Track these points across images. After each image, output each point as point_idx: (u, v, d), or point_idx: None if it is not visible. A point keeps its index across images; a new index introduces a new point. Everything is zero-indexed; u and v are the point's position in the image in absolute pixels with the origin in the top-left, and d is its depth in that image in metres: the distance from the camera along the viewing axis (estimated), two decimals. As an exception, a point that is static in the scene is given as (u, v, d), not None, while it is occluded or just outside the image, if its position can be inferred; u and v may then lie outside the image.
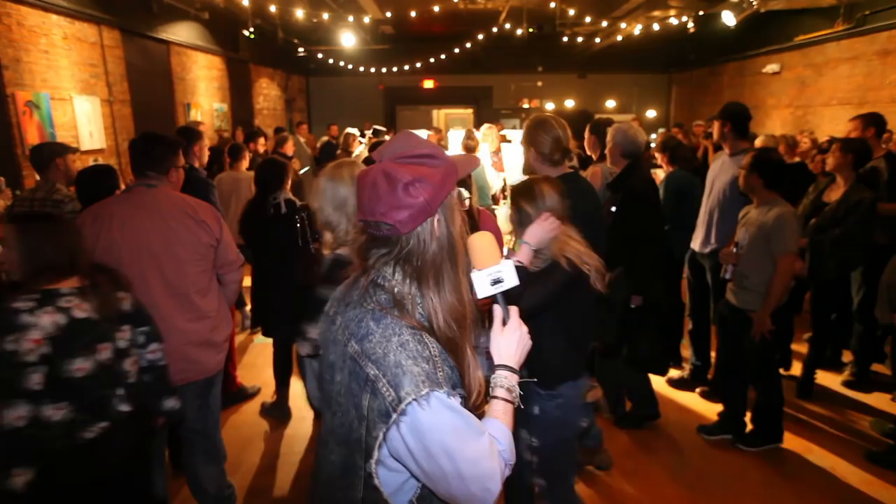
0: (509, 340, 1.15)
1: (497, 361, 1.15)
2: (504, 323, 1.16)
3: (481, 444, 0.99)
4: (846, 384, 3.81)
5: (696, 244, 3.67)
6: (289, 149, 5.81)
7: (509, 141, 6.90)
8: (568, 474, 2.23)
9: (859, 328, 3.75)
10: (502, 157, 6.28)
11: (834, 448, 3.17)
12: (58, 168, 3.28)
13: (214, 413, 2.45)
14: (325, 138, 9.58)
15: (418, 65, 12.65)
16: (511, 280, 1.14)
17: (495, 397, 1.12)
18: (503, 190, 6.04)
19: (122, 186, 3.09)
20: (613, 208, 3.00)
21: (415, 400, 0.94)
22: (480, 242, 1.13)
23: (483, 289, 1.12)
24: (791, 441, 3.24)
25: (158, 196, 2.24)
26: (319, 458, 1.18)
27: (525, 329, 1.17)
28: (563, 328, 2.01)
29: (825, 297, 3.68)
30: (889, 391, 3.69)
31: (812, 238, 3.40)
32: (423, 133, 6.11)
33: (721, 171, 3.56)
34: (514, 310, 1.17)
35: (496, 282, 1.12)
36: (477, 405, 1.11)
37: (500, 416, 1.10)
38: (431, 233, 1.03)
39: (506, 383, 1.12)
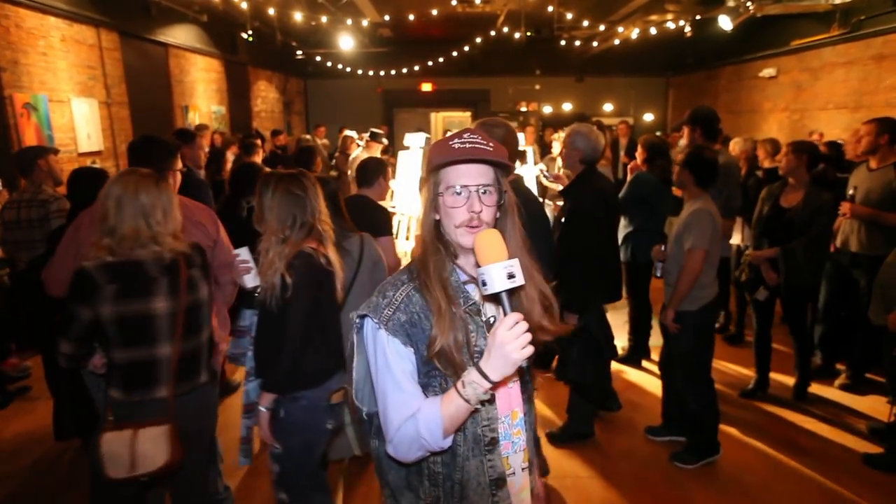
0: (497, 343, 1.03)
1: (481, 361, 1.06)
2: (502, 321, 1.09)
3: (397, 394, 1.12)
4: (842, 387, 3.82)
5: None
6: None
7: (507, 144, 6.92)
8: (309, 492, 2.11)
9: (859, 334, 3.75)
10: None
11: (831, 452, 3.18)
12: (41, 169, 3.36)
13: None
14: (324, 141, 9.60)
15: (416, 68, 12.69)
16: (521, 278, 1.07)
17: (453, 388, 1.09)
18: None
19: None
20: (563, 219, 2.94)
21: (357, 316, 1.19)
22: (489, 239, 1.09)
23: (498, 282, 1.04)
24: (788, 444, 3.25)
25: None
26: None
27: (521, 340, 1.03)
28: (309, 329, 1.98)
29: (799, 303, 3.62)
30: (885, 394, 3.70)
31: (784, 247, 3.37)
32: (422, 136, 6.13)
33: None
34: (511, 316, 1.04)
35: (510, 276, 1.04)
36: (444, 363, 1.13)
37: (443, 399, 1.11)
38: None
39: (466, 378, 1.07)
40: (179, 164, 2.40)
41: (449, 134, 1.22)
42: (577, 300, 2.82)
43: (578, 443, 3.24)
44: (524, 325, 1.04)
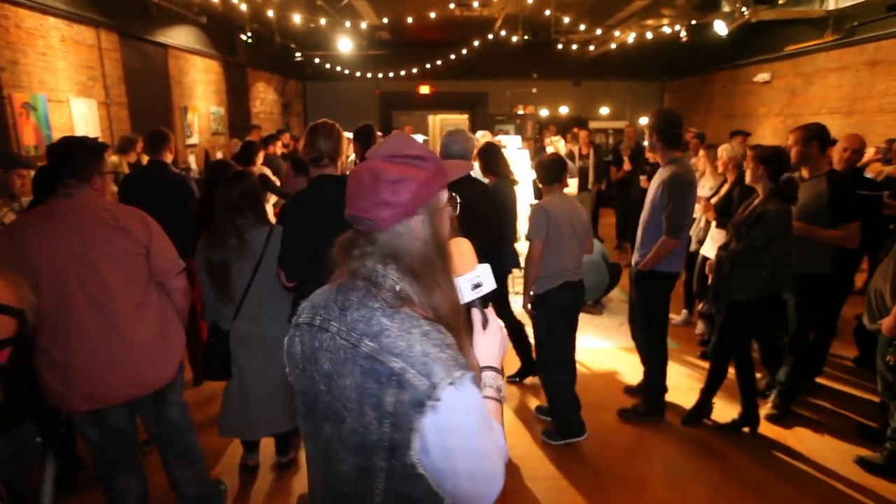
0: (491, 342, 1.16)
1: (482, 363, 1.15)
2: (484, 326, 1.17)
3: (493, 439, 1.01)
4: (769, 418, 3.48)
5: None
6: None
7: (504, 146, 6.94)
8: None
9: (790, 360, 3.49)
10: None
11: (823, 453, 3.19)
12: None
13: (178, 421, 2.36)
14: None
15: (414, 70, 12.69)
16: (489, 284, 1.15)
17: (487, 397, 1.10)
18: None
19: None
20: None
21: (451, 384, 0.93)
22: (459, 248, 1.14)
23: (466, 293, 1.13)
24: (780, 447, 3.26)
25: (74, 206, 2.08)
26: (318, 477, 1.12)
27: (504, 332, 1.20)
28: None
29: (729, 322, 3.21)
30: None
31: (717, 258, 3.10)
32: (419, 138, 6.15)
33: (654, 182, 3.38)
34: (490, 312, 1.19)
35: (476, 286, 1.14)
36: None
37: (495, 414, 1.10)
38: (414, 231, 1.03)
39: (494, 383, 1.14)
40: (106, 167, 2.23)
41: (392, 144, 1.10)
42: None
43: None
44: (497, 322, 1.21)
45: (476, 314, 1.17)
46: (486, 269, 1.15)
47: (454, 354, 0.98)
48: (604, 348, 4.64)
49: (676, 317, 5.02)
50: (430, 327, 0.99)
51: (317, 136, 2.50)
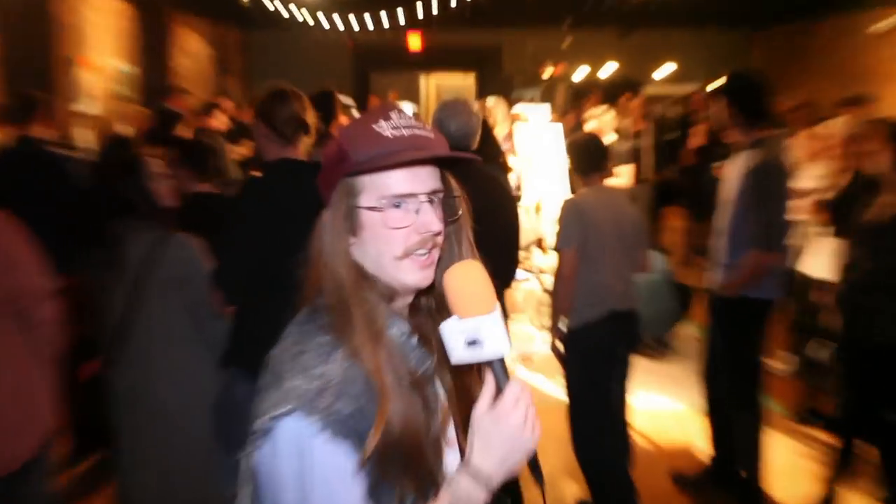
0: (489, 427, 1.00)
1: (467, 452, 1.02)
2: (496, 398, 1.02)
3: None
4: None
5: None
6: None
7: (526, 121, 6.84)
8: None
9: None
10: (514, 143, 6.21)
11: None
12: None
13: None
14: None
15: (401, 16, 12.67)
16: (494, 346, 0.99)
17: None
18: (518, 188, 5.94)
19: None
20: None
21: (270, 419, 0.98)
22: (462, 278, 1.05)
23: (456, 348, 1.01)
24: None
25: None
26: None
27: (519, 416, 0.99)
28: None
29: (872, 377, 3.18)
30: None
31: (847, 281, 3.15)
32: (407, 108, 6.05)
33: (730, 173, 3.41)
34: (514, 386, 1.01)
35: (472, 342, 0.99)
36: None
37: None
38: (322, 225, 1.12)
39: (457, 492, 1.00)
40: None
41: (360, 113, 1.10)
42: None
43: None
44: (517, 401, 1.00)
45: (489, 381, 1.02)
46: (491, 321, 0.99)
47: (308, 388, 0.97)
48: (671, 410, 4.60)
49: (779, 364, 4.88)
50: (314, 349, 1.02)
51: (287, 102, 2.62)
